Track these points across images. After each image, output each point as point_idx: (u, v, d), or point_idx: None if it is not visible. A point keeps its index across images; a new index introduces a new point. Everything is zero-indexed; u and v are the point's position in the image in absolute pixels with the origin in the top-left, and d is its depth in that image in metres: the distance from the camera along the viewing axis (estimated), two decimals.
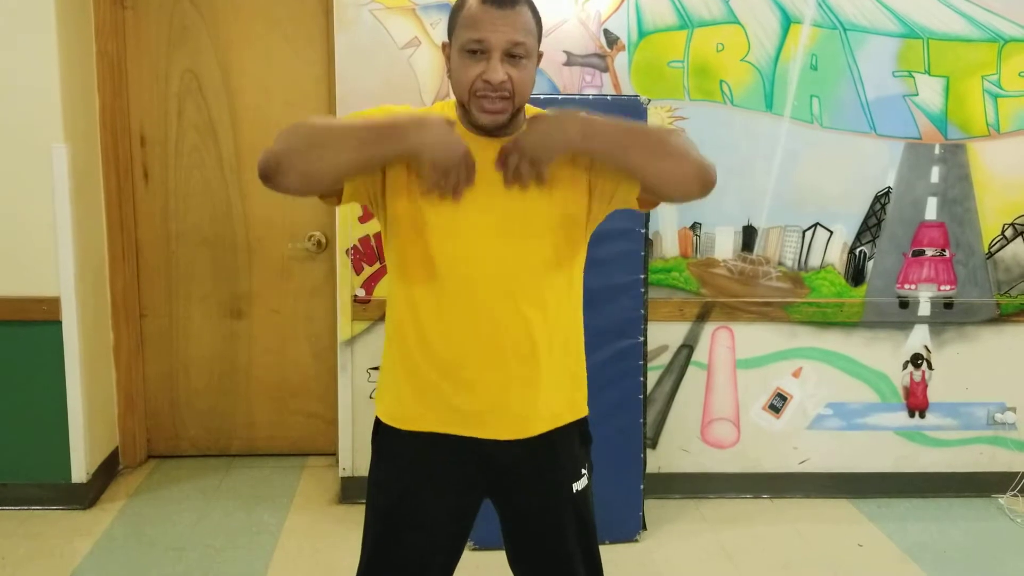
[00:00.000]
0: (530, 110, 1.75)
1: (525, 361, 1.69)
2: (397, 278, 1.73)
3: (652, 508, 3.39)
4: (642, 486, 3.25)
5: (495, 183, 1.65)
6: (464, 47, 1.61)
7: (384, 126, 1.58)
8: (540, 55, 1.71)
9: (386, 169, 1.66)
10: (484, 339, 1.67)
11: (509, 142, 1.63)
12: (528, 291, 1.68)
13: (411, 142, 1.57)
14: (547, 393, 1.73)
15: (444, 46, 1.71)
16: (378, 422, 1.80)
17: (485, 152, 1.66)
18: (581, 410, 1.82)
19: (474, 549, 2.97)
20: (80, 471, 3.38)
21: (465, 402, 1.70)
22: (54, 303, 3.27)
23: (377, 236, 3.38)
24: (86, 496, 3.41)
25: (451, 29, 1.67)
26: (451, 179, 1.60)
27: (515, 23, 1.60)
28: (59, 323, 3.28)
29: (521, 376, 1.70)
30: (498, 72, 1.59)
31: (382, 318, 3.39)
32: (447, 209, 1.64)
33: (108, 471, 3.63)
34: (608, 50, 3.34)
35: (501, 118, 1.63)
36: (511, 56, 1.60)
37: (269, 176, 1.58)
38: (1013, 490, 3.63)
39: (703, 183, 1.62)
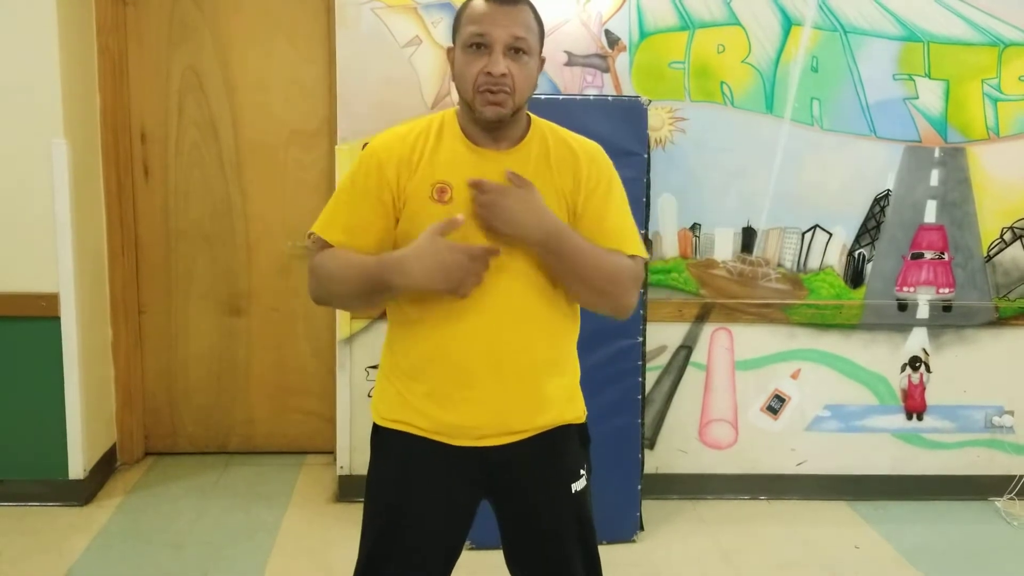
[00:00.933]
0: (537, 122, 1.76)
1: (524, 377, 1.71)
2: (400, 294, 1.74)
3: (650, 508, 3.39)
4: (640, 486, 3.25)
5: None
6: (467, 42, 1.64)
7: (373, 279, 1.63)
8: (543, 61, 1.73)
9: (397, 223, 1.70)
10: (483, 356, 1.68)
11: (495, 187, 1.62)
12: (525, 308, 1.70)
13: (401, 287, 1.62)
14: (543, 405, 1.75)
15: (449, 51, 1.73)
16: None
17: (486, 165, 1.68)
18: (580, 415, 1.83)
19: (472, 549, 2.96)
20: (77, 467, 3.38)
21: (464, 417, 1.70)
22: (53, 299, 3.27)
23: None
24: (83, 493, 3.40)
25: (455, 30, 1.70)
26: (465, 289, 1.61)
27: (517, 19, 1.64)
28: (58, 319, 3.28)
29: (520, 391, 1.71)
30: (499, 64, 1.61)
31: (381, 317, 3.39)
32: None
33: (105, 468, 3.63)
34: (609, 50, 3.34)
35: (503, 111, 1.64)
36: (513, 51, 1.63)
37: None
38: (1010, 493, 3.64)
39: (613, 315, 1.75)
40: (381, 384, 1.80)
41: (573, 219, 1.72)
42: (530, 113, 1.76)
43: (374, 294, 1.67)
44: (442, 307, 1.68)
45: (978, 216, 3.51)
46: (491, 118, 1.65)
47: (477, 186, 1.63)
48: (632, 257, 1.74)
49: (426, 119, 1.76)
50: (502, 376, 1.69)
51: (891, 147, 3.45)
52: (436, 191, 1.67)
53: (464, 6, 1.68)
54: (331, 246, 1.70)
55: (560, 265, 1.66)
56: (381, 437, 1.79)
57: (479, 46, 1.63)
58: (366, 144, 1.71)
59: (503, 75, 1.61)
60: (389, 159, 1.69)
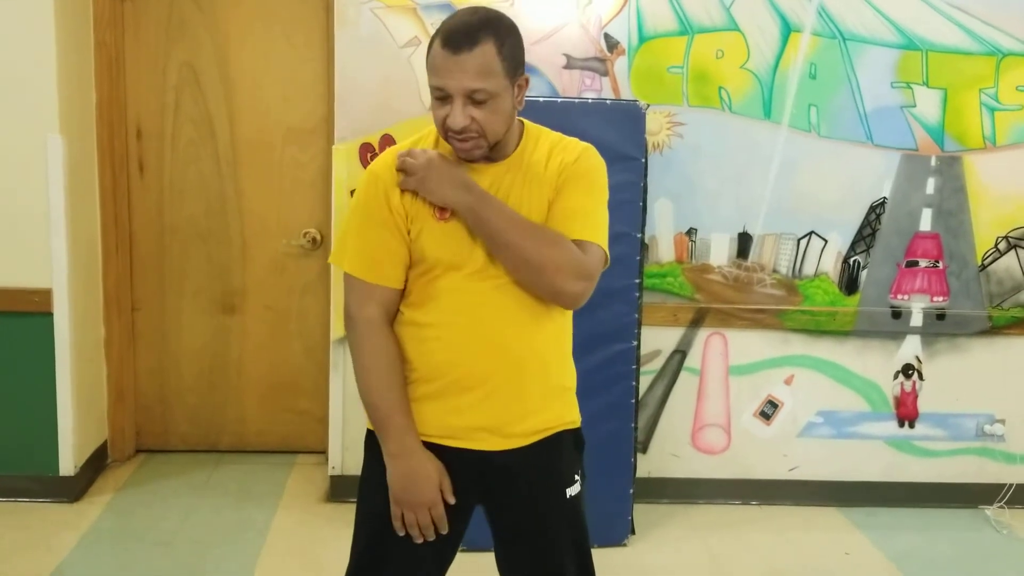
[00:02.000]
0: (531, 128, 1.76)
1: (521, 382, 1.71)
2: (411, 295, 1.73)
3: (641, 513, 3.39)
4: (632, 490, 3.25)
5: None
6: (433, 93, 1.63)
7: (374, 420, 1.73)
8: (526, 80, 1.69)
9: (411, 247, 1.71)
10: (481, 361, 1.69)
11: (419, 164, 1.65)
12: (522, 311, 1.70)
13: (387, 461, 1.71)
14: (542, 409, 1.75)
15: None
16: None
17: (481, 178, 1.69)
18: (574, 419, 1.83)
19: (465, 551, 2.95)
20: (68, 464, 3.36)
21: (461, 418, 1.71)
22: (46, 295, 3.26)
23: None
24: (73, 489, 3.39)
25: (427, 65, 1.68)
26: (410, 517, 1.70)
27: (472, 68, 1.57)
28: (51, 315, 3.27)
29: (516, 396, 1.71)
30: (458, 119, 1.59)
31: None
32: (451, 240, 1.67)
33: (96, 464, 3.61)
34: (608, 54, 3.33)
35: (476, 153, 1.65)
36: (473, 100, 1.59)
37: None
38: (1000, 502, 3.65)
39: (553, 300, 1.68)
40: None
41: None
42: (523, 120, 1.76)
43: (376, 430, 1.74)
44: (442, 314, 1.68)
45: (973, 225, 3.52)
46: (467, 160, 1.66)
47: (402, 169, 1.66)
48: (579, 243, 1.65)
49: (422, 136, 1.78)
50: (499, 381, 1.70)
51: (888, 155, 3.46)
52: (437, 209, 1.68)
53: (430, 43, 1.64)
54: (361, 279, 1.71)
55: (484, 229, 1.63)
56: (375, 441, 1.79)
57: (440, 97, 1.61)
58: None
59: (465, 127, 1.59)
60: (391, 182, 1.69)
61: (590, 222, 1.70)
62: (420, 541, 1.71)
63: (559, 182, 1.70)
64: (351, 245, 1.73)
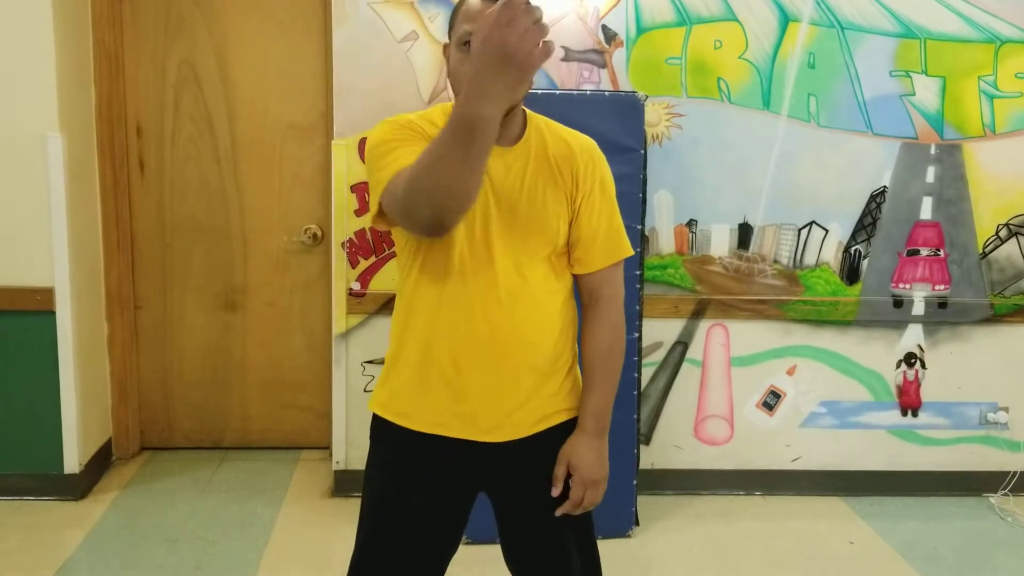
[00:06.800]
0: (533, 117, 1.76)
1: (529, 371, 1.71)
2: (417, 278, 1.72)
3: (645, 504, 3.39)
4: (635, 482, 3.25)
5: (503, 193, 1.66)
6: (462, 40, 1.63)
7: (457, 133, 1.39)
8: None
9: None
10: (487, 346, 1.68)
11: (569, 477, 1.74)
12: (531, 299, 1.70)
13: (485, 108, 1.36)
14: (546, 399, 1.75)
15: (445, 47, 1.72)
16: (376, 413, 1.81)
17: (491, 160, 1.65)
18: (575, 408, 1.82)
19: (468, 543, 2.96)
20: (73, 462, 3.37)
21: (460, 408, 1.70)
22: (48, 293, 3.26)
23: (372, 229, 3.37)
24: (78, 487, 3.40)
25: (451, 28, 1.70)
26: (533, 54, 1.34)
27: None
28: (53, 313, 3.27)
29: (523, 386, 1.71)
30: None
31: (377, 312, 3.39)
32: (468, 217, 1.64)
33: (101, 462, 3.62)
34: (606, 46, 3.33)
35: None
36: None
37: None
38: (1004, 489, 3.65)
39: None
40: (384, 374, 1.80)
41: (573, 217, 1.72)
42: (525, 108, 1.76)
43: (469, 144, 1.38)
44: (451, 298, 1.67)
45: (974, 213, 3.52)
46: None
47: (558, 483, 1.76)
48: (615, 266, 1.77)
49: (424, 112, 1.76)
50: (507, 369, 1.69)
51: (887, 144, 3.46)
52: None
53: (459, 4, 1.68)
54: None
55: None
56: (381, 429, 1.79)
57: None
58: (362, 139, 1.67)
59: None
60: (414, 124, 1.67)
61: (623, 233, 1.79)
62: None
63: (580, 191, 1.71)
64: (389, 157, 1.60)
